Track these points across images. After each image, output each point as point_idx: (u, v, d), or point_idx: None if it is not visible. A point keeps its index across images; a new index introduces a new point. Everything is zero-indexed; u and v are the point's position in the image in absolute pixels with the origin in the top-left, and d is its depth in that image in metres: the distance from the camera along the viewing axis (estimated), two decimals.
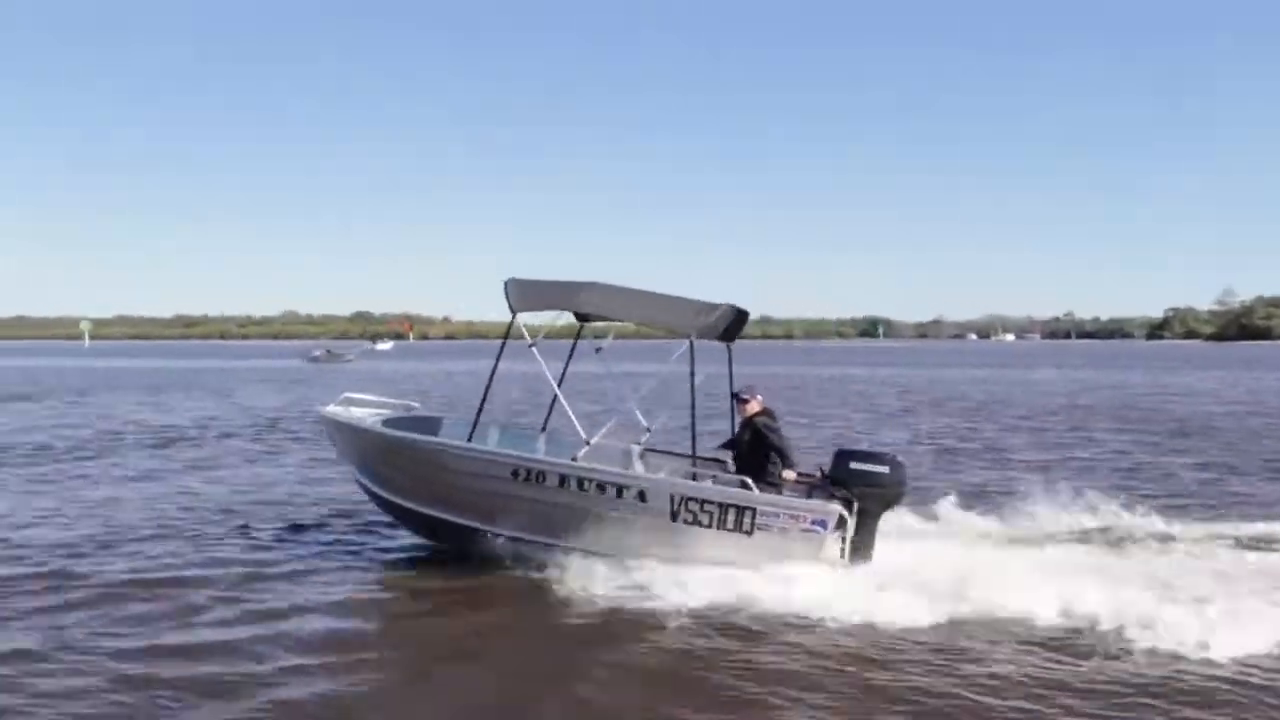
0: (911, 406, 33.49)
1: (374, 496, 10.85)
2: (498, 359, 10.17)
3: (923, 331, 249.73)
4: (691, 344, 9.72)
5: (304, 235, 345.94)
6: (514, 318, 10.04)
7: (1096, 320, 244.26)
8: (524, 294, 10.09)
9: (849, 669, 7.28)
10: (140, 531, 11.56)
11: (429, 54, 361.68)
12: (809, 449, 14.15)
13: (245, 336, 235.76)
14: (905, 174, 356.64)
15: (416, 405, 11.94)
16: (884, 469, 9.70)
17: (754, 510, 9.13)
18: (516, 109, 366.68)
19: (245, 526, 11.85)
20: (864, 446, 11.12)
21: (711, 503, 9.20)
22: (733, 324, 10.96)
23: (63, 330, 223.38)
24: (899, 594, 8.50)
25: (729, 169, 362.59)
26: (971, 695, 6.74)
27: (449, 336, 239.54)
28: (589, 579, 9.09)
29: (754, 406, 10.22)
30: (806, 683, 7.01)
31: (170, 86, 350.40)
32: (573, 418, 9.95)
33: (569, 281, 10.15)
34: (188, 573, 9.73)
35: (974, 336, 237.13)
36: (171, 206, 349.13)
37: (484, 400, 10.08)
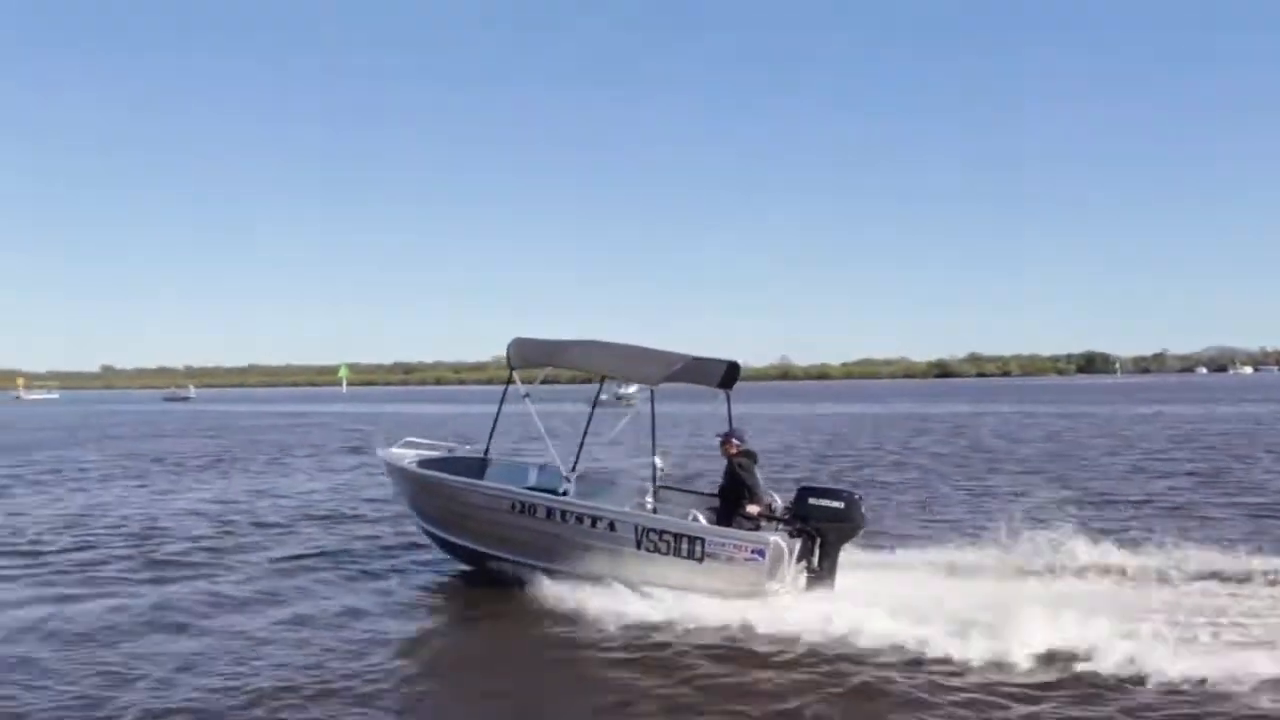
0: None
1: (418, 525, 12.63)
2: (500, 406, 11.81)
3: (1144, 366, 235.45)
4: (652, 393, 11.02)
5: (504, 284, 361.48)
6: (511, 372, 11.67)
7: None
8: (521, 352, 11.78)
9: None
10: None
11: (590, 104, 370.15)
12: None
13: (461, 381, 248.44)
14: (1117, 203, 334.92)
15: (468, 446, 13.62)
16: (839, 504, 10.65)
17: (703, 540, 10.27)
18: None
19: None
20: (824, 484, 11.99)
21: (668, 533, 10.40)
22: (727, 375, 12.39)
23: (288, 377, 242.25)
24: None
25: (940, 202, 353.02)
26: None
27: None
28: (577, 599, 10.51)
29: (732, 449, 11.36)
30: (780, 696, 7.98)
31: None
32: (554, 457, 11.46)
33: (558, 340, 11.76)
34: None
35: (1204, 370, 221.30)
36: (384, 258, 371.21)
37: (490, 439, 11.70)
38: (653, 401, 11.07)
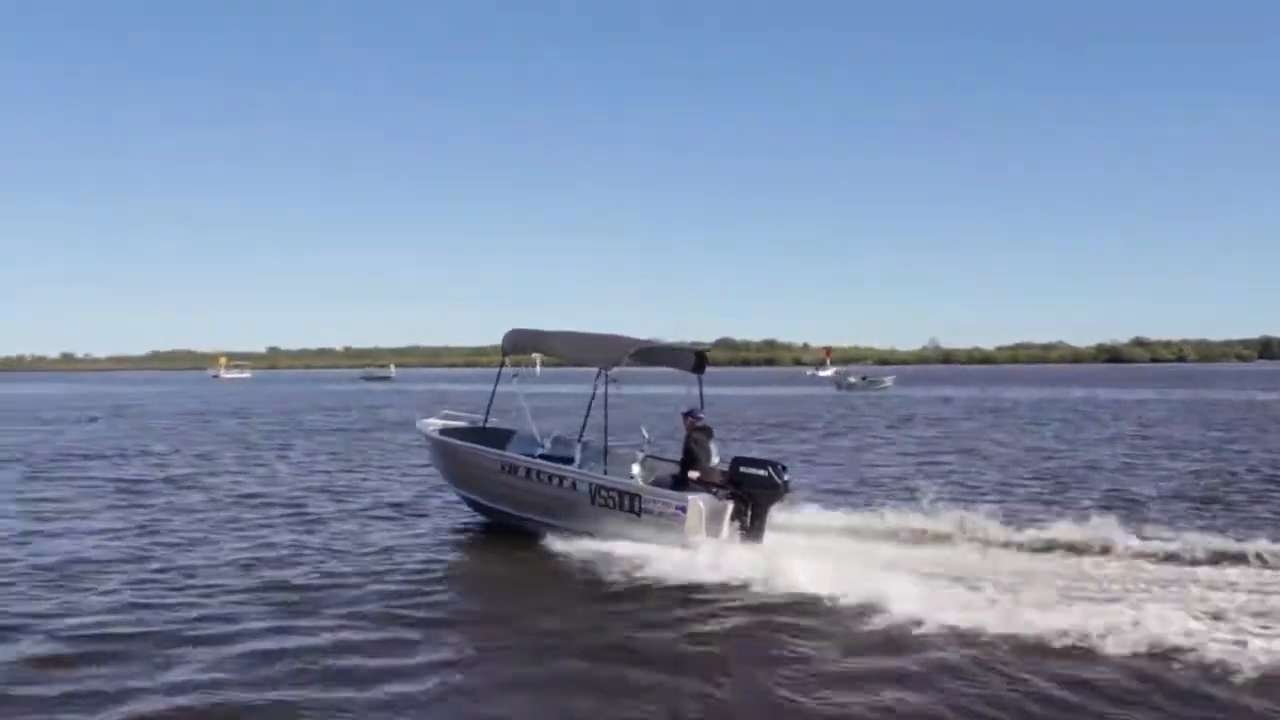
0: None
1: (449, 485, 15.23)
2: (495, 386, 14.24)
3: None
4: (607, 376, 13.17)
5: (661, 263, 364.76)
6: (504, 358, 14.13)
7: None
8: (512, 340, 14.22)
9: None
10: None
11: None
12: None
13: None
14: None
15: (500, 421, 15.87)
16: (764, 473, 12.57)
17: (640, 497, 12.40)
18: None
19: None
20: (755, 454, 13.81)
21: (614, 491, 12.59)
22: (698, 361, 14.48)
23: (446, 358, 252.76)
24: None
25: (1085, 184, 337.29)
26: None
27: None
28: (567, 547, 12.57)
29: (691, 423, 13.45)
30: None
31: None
32: (533, 428, 13.80)
33: (542, 330, 14.13)
34: None
35: None
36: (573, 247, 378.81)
37: (488, 413, 14.16)
38: (606, 382, 13.17)
